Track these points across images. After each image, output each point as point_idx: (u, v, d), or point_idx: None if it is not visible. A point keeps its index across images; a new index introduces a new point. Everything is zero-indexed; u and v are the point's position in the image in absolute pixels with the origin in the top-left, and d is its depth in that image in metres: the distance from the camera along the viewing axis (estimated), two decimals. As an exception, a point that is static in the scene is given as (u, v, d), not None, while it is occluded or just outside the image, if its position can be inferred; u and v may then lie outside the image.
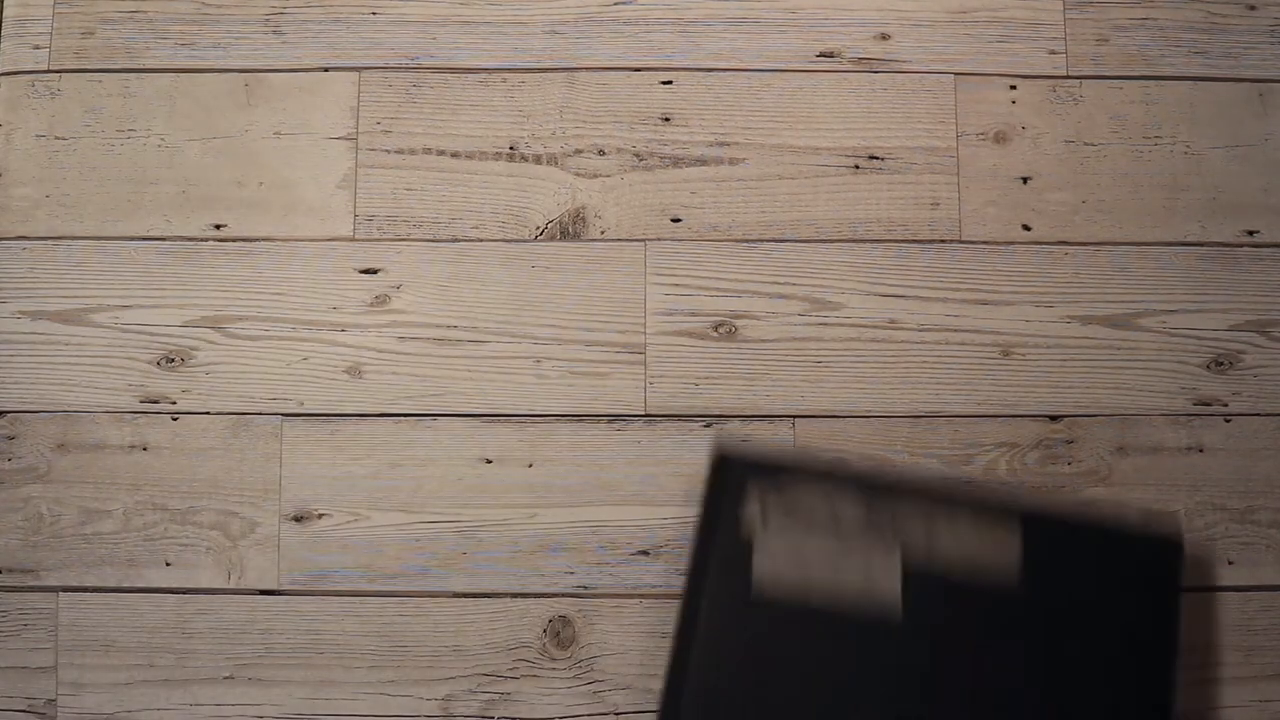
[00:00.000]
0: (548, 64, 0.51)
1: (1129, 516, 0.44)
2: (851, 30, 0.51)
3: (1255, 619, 0.47)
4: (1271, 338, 0.49)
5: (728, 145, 0.50)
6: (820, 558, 0.41)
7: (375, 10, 0.51)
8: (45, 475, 0.48)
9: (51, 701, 0.47)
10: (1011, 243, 0.49)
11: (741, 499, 0.42)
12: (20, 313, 0.49)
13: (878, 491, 0.42)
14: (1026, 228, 0.50)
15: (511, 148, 0.50)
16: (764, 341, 0.49)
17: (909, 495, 0.42)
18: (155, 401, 0.49)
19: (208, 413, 0.49)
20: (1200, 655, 0.47)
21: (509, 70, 0.51)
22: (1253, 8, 0.51)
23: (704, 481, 0.43)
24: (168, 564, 0.48)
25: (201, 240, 0.50)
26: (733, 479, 0.43)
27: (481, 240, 0.50)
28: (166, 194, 0.50)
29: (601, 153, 0.50)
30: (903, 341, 0.49)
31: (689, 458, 0.47)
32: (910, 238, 0.49)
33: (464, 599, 0.48)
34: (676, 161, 0.50)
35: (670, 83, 0.51)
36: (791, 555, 0.41)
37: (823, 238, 0.49)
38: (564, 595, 0.47)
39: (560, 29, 0.51)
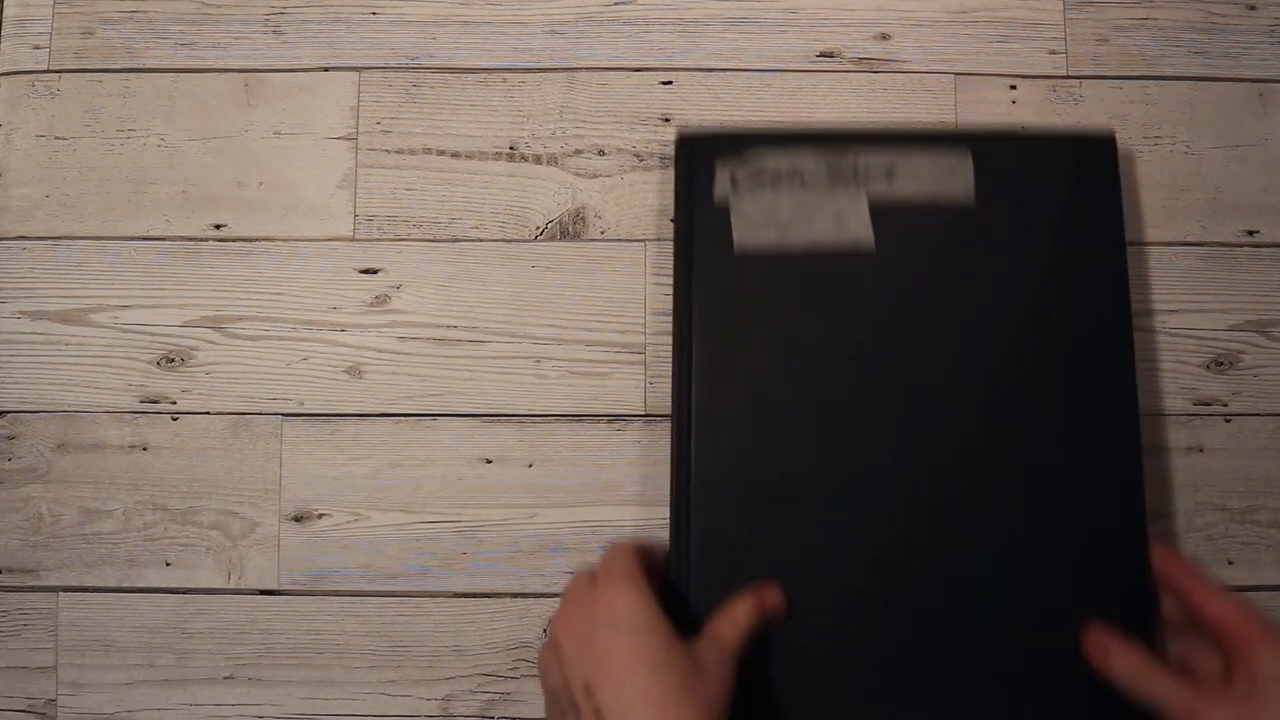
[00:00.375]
0: (548, 64, 0.51)
1: (1064, 129, 0.50)
2: (851, 30, 0.51)
3: (1255, 619, 0.47)
4: (1271, 338, 0.49)
5: (728, 145, 0.50)
6: (792, 210, 0.45)
7: (375, 10, 0.51)
8: (45, 475, 0.48)
9: (51, 701, 0.47)
10: (1011, 243, 0.49)
11: (710, 171, 0.46)
12: (20, 313, 0.49)
13: (836, 145, 0.46)
14: (1026, 228, 0.49)
15: (511, 148, 0.50)
16: (764, 341, 0.48)
17: (866, 145, 0.46)
18: (155, 401, 0.49)
19: (208, 413, 0.49)
20: (1200, 655, 0.47)
21: (509, 70, 0.51)
22: (1253, 8, 0.51)
23: (673, 162, 0.47)
24: (168, 564, 0.48)
25: (201, 240, 0.50)
26: (698, 155, 0.46)
27: (481, 240, 0.50)
28: (166, 194, 0.50)
29: (601, 153, 0.50)
30: (903, 341, 0.48)
31: (689, 458, 0.47)
32: (910, 238, 0.49)
33: (464, 599, 0.48)
34: (676, 161, 0.50)
35: (670, 83, 0.51)
36: (765, 212, 0.45)
37: (823, 238, 0.49)
38: (564, 595, 0.47)
39: (560, 29, 0.51)
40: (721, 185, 0.45)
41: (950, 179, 0.45)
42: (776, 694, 0.42)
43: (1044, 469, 0.43)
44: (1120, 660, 0.39)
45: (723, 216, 0.45)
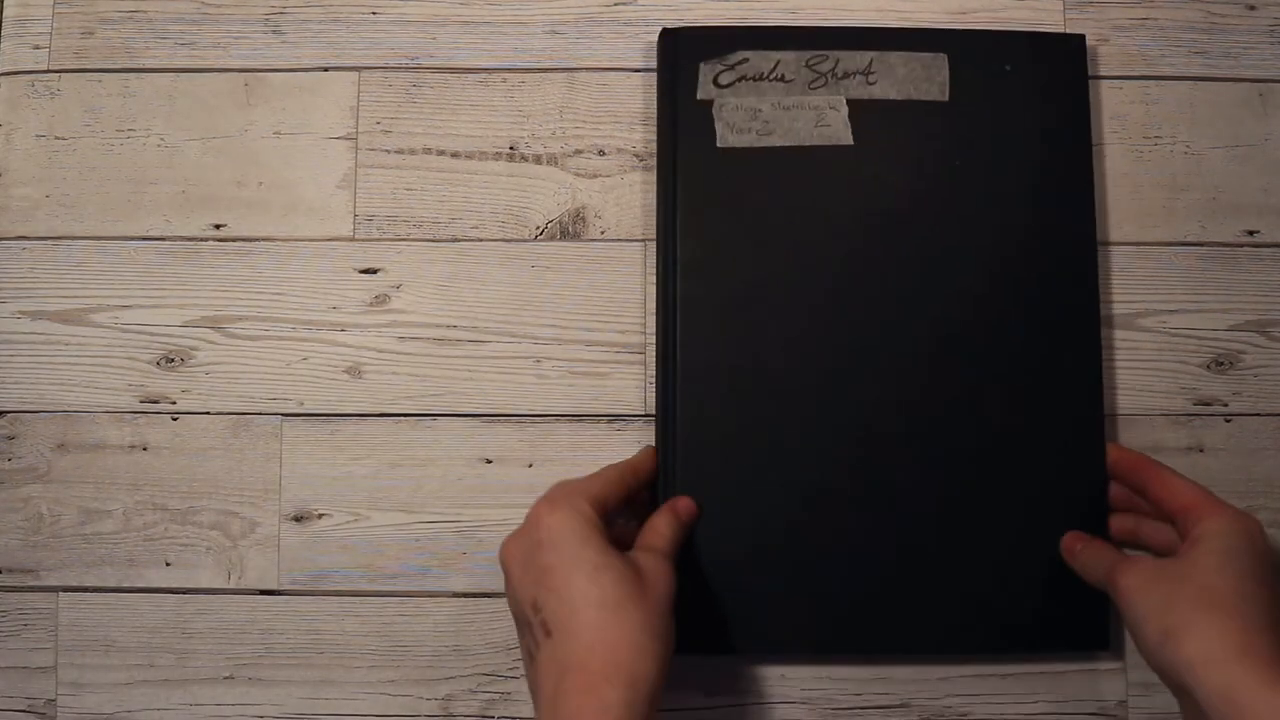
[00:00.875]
0: (548, 64, 0.51)
1: (1038, 34, 0.50)
2: (851, 30, 0.51)
3: (1255, 619, 0.47)
4: (1271, 338, 0.49)
5: (728, 145, 0.50)
6: (773, 110, 0.47)
7: (375, 10, 0.51)
8: (45, 475, 0.48)
9: (51, 701, 0.47)
10: (1011, 243, 0.49)
11: (693, 70, 0.47)
12: (20, 313, 0.49)
13: (816, 46, 0.47)
14: (1026, 228, 0.49)
15: (511, 148, 0.50)
16: (764, 341, 0.48)
17: (845, 45, 0.48)
18: (155, 401, 0.49)
19: (208, 413, 0.49)
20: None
21: (509, 70, 0.51)
22: (1253, 8, 0.51)
23: (656, 56, 0.49)
24: (168, 564, 0.48)
25: (201, 240, 0.50)
26: (681, 52, 0.48)
27: (481, 240, 0.50)
28: (166, 194, 0.50)
29: (601, 153, 0.50)
30: (903, 341, 0.48)
31: (689, 458, 0.47)
32: (910, 238, 0.49)
33: (464, 599, 0.48)
34: (676, 161, 0.50)
35: (670, 83, 0.50)
36: (747, 113, 0.46)
37: (823, 238, 0.49)
38: (564, 595, 0.47)
39: (560, 29, 0.51)
40: (705, 86, 0.47)
41: (926, 79, 0.47)
42: (754, 578, 0.45)
43: (1009, 360, 0.46)
44: (1083, 551, 0.43)
45: (705, 115, 0.47)
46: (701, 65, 0.47)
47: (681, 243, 0.46)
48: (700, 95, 0.47)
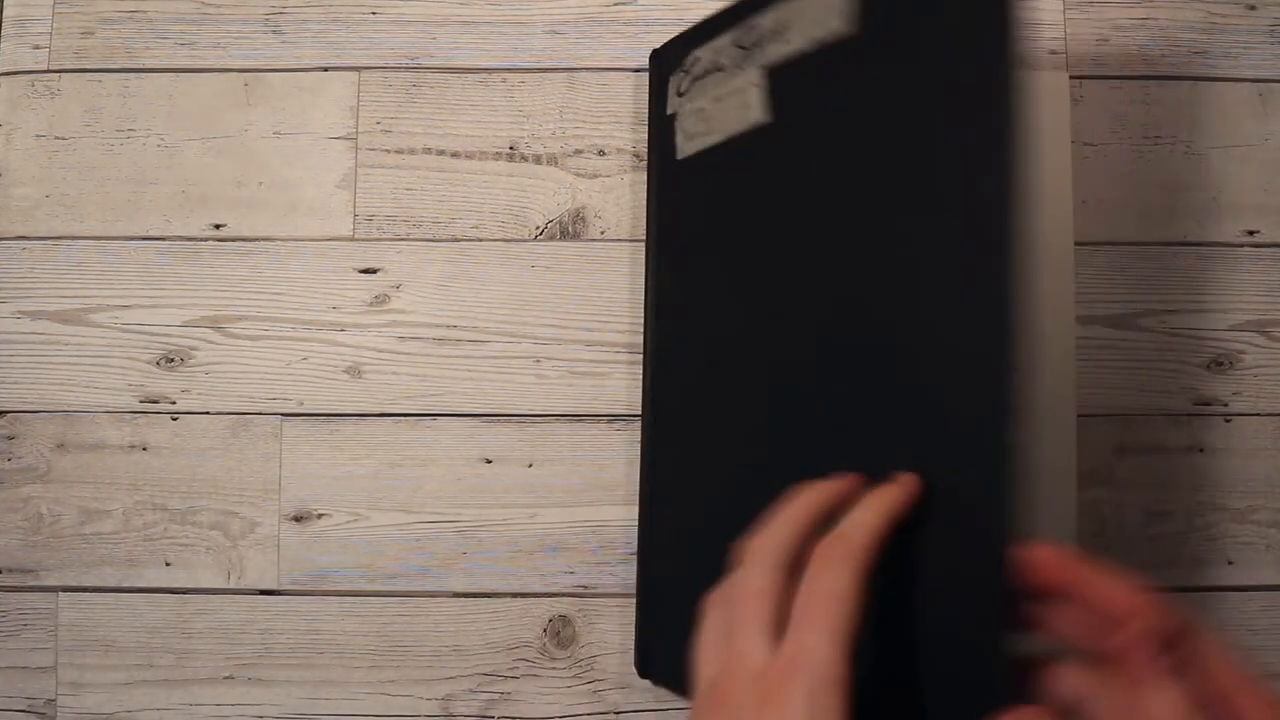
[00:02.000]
0: (548, 64, 0.51)
1: None
2: (851, 30, 0.51)
3: (1255, 619, 0.47)
4: (1271, 338, 0.49)
5: (728, 145, 0.50)
6: (714, 105, 0.44)
7: (375, 10, 0.51)
8: (45, 475, 0.48)
9: (51, 701, 0.47)
10: (1011, 243, 0.49)
11: (665, 85, 0.47)
12: (20, 313, 0.49)
13: (741, 19, 0.44)
14: (1026, 228, 0.49)
15: (511, 148, 0.50)
16: (764, 341, 0.48)
17: (757, 9, 0.43)
18: (155, 401, 0.49)
19: (207, 413, 0.49)
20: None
21: (509, 70, 0.51)
22: (1253, 8, 0.51)
23: (648, 74, 0.49)
24: (167, 564, 0.48)
25: (201, 240, 0.50)
26: (661, 71, 0.48)
27: (481, 240, 0.50)
28: (166, 194, 0.50)
29: (601, 153, 0.50)
30: (903, 341, 0.48)
31: (689, 458, 0.47)
32: (910, 238, 0.49)
33: (464, 599, 0.48)
34: (676, 161, 0.50)
35: (670, 83, 0.50)
36: (699, 116, 0.45)
37: (823, 238, 0.49)
38: (564, 595, 0.47)
39: (560, 29, 0.51)
40: (671, 100, 0.46)
41: (826, 12, 0.39)
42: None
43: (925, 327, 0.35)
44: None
45: (671, 128, 0.46)
46: (670, 79, 0.47)
47: (656, 259, 0.47)
48: (669, 110, 0.47)
